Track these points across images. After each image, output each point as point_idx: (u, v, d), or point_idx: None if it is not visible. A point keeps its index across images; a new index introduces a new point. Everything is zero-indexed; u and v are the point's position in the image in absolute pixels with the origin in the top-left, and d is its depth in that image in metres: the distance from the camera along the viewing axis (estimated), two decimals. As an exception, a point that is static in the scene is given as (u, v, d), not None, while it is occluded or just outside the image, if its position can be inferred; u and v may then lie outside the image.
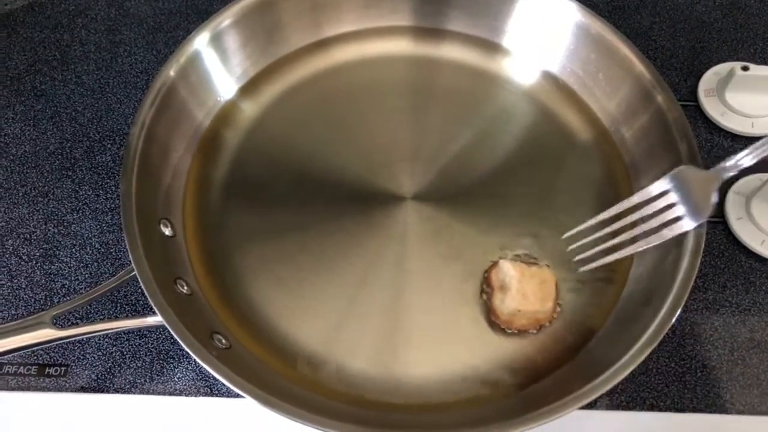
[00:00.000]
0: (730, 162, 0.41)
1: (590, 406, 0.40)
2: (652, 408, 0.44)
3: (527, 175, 0.50)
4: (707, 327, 0.47)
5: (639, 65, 0.48)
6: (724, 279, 0.49)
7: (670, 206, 0.41)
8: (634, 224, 0.42)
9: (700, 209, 0.41)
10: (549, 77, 0.54)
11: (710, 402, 0.44)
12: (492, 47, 0.55)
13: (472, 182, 0.49)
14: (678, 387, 0.45)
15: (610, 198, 0.48)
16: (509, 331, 0.43)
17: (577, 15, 0.50)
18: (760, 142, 0.40)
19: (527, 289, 0.43)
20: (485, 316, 0.44)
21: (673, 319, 0.39)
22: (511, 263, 0.44)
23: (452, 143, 0.51)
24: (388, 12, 0.55)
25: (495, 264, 0.45)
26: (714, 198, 0.40)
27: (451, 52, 0.55)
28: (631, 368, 0.37)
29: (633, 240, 0.43)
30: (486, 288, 0.45)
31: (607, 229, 0.43)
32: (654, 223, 0.42)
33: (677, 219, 0.41)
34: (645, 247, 0.42)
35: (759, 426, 0.44)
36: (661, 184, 0.42)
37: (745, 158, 0.40)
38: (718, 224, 0.50)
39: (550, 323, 0.44)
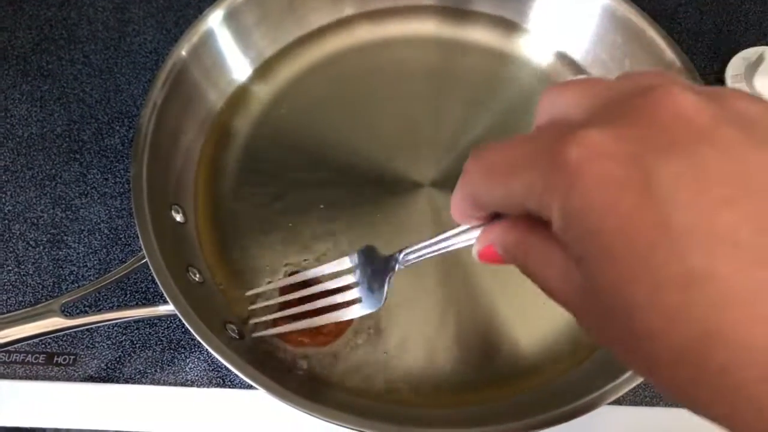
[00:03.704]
0: (408, 250, 0.32)
1: (614, 402, 0.39)
2: (677, 404, 0.43)
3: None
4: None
5: (666, 49, 0.46)
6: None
7: (349, 286, 0.36)
8: (317, 296, 0.37)
9: (376, 294, 0.35)
10: (573, 62, 0.52)
11: (737, 398, 0.43)
12: (517, 30, 0.53)
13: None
14: (703, 382, 0.44)
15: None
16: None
17: (602, -4, 0.49)
18: (437, 238, 0.30)
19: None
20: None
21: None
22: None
23: (472, 128, 0.49)
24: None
25: None
26: (387, 286, 0.34)
27: (475, 33, 0.53)
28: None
29: (315, 313, 0.38)
30: None
31: (291, 296, 0.39)
32: (339, 298, 0.36)
33: (357, 300, 0.36)
34: (326, 323, 0.37)
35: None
36: (345, 261, 0.36)
37: (422, 250, 0.31)
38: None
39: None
